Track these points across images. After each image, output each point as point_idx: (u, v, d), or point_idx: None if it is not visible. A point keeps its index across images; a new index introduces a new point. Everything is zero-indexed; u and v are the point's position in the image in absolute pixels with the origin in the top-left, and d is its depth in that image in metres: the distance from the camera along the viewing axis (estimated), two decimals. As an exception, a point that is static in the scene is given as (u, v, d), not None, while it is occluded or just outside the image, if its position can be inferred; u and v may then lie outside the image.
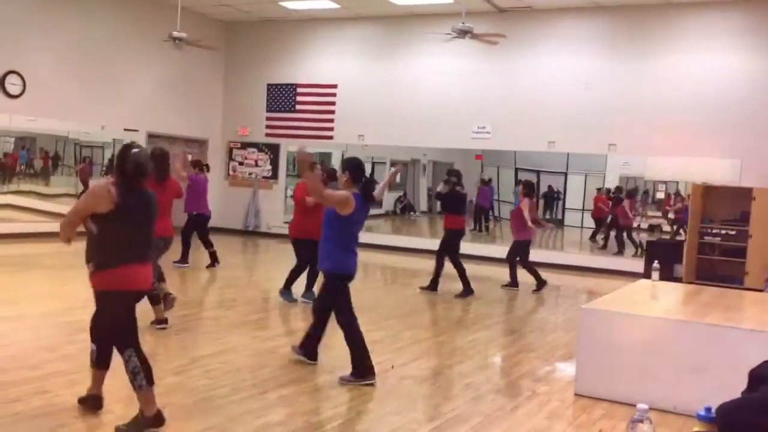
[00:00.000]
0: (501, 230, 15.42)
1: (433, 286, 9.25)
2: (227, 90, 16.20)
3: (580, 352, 5.20)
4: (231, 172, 16.16)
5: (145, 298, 6.20)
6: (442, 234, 9.46)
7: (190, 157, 10.87)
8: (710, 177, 11.58)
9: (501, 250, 12.51)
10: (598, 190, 13.81)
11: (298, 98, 15.38)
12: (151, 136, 14.45)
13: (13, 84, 11.99)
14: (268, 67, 15.68)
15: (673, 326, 4.90)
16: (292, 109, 15.45)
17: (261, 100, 15.76)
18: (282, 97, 15.57)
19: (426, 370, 5.60)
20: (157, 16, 13.56)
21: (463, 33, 11.02)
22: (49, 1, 12.56)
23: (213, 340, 6.12)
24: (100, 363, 4.06)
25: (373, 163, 17.42)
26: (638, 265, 11.81)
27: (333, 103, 14.96)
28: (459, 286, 9.21)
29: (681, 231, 12.79)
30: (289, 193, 16.02)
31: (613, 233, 13.43)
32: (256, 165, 15.93)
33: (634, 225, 13.18)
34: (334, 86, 14.94)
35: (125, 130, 14.03)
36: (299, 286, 8.05)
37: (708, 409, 2.64)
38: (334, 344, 6.12)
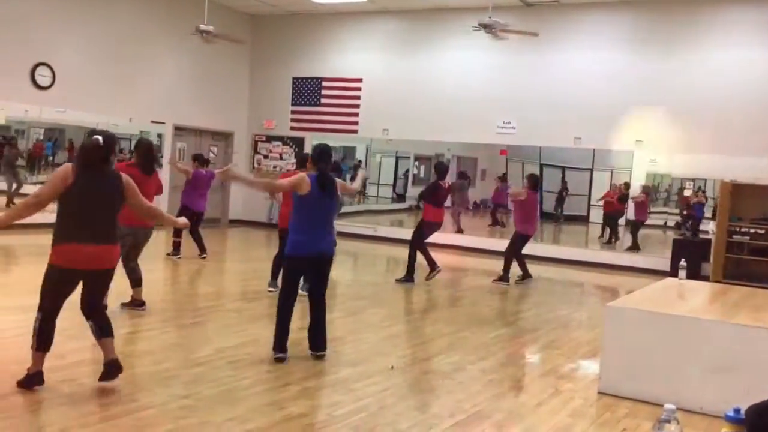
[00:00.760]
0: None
1: (409, 276, 9.28)
2: (253, 83, 16.26)
3: (605, 350, 5.15)
4: (256, 165, 16.24)
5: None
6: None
7: (177, 154, 10.52)
8: (739, 175, 11.40)
9: (535, 248, 12.51)
10: (612, 186, 13.66)
11: (324, 92, 15.40)
12: (178, 129, 14.57)
13: (43, 76, 12.15)
14: (293, 61, 15.71)
15: (700, 326, 4.83)
16: (317, 102, 15.48)
17: (286, 94, 15.81)
18: (307, 91, 15.60)
19: (448, 366, 5.58)
20: (185, 10, 13.64)
21: (492, 28, 10.94)
22: (78, -7, 12.71)
23: (236, 332, 6.16)
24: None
25: (397, 158, 17.43)
26: (664, 263, 11.69)
27: (358, 97, 14.96)
28: (479, 281, 9.17)
29: (687, 226, 12.66)
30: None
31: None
32: (281, 158, 16.00)
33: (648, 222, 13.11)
34: (359, 80, 14.94)
35: (152, 122, 14.17)
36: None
37: (737, 410, 2.60)
38: (355, 338, 6.14)
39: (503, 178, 15.65)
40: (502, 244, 11.78)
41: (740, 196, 11.24)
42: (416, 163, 17.42)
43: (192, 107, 14.80)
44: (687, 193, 13.00)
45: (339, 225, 13.90)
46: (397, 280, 9.28)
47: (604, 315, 5.27)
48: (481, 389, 5.05)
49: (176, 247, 10.16)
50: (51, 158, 13.31)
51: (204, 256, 10.17)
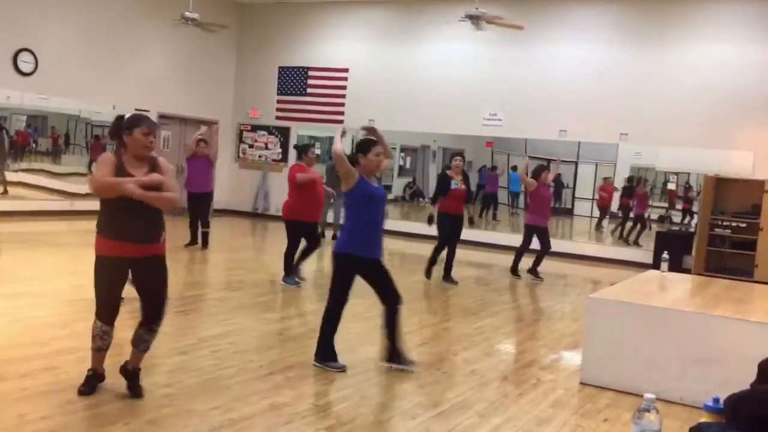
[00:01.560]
0: (509, 218, 15.40)
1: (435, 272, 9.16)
2: (238, 72, 16.17)
3: (587, 341, 5.19)
4: (241, 155, 16.16)
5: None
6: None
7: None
8: (722, 169, 11.50)
9: (506, 238, 12.56)
10: (605, 179, 13.72)
11: (309, 81, 15.34)
12: (162, 117, 14.45)
13: (25, 62, 12.01)
14: (279, 50, 15.63)
15: (681, 317, 4.88)
16: (303, 92, 15.42)
17: (272, 83, 15.73)
18: (293, 81, 15.53)
19: (432, 356, 5.61)
20: (170, -4, 13.52)
21: (478, 19, 10.92)
22: (62, -21, 12.55)
23: (220, 321, 6.15)
24: None
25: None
26: (647, 256, 11.78)
27: (344, 87, 14.92)
28: (465, 272, 9.18)
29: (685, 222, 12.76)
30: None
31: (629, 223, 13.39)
32: (266, 148, 15.93)
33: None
34: (346, 70, 14.89)
35: (136, 110, 13.98)
36: (309, 264, 8.04)
37: (716, 400, 2.64)
38: (339, 328, 6.15)
39: (493, 168, 15.58)
40: (488, 236, 11.83)
41: (723, 190, 11.35)
42: (402, 154, 17.40)
43: (177, 95, 14.69)
44: (671, 186, 13.08)
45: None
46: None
47: (586, 306, 5.31)
48: (464, 379, 5.08)
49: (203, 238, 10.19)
50: (34, 145, 13.19)
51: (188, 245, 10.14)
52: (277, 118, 15.74)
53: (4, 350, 4.32)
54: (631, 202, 13.13)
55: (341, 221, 5.45)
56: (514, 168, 14.68)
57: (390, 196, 17.29)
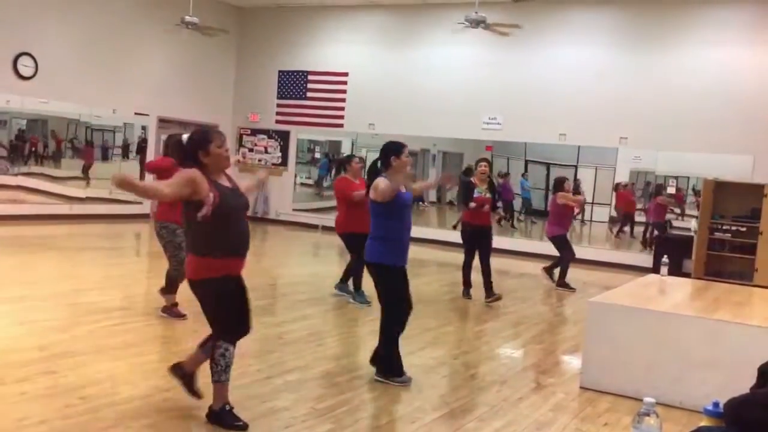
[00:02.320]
0: (522, 225, 15.34)
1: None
2: (238, 76, 16.18)
3: (587, 345, 5.18)
4: (241, 159, 16.16)
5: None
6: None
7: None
8: (722, 172, 11.50)
9: (520, 243, 12.56)
10: (624, 186, 13.43)
11: (309, 85, 15.35)
12: (162, 121, 14.47)
13: (25, 66, 12.03)
14: (279, 54, 15.64)
15: (681, 321, 4.88)
16: (303, 96, 15.43)
17: (272, 87, 15.74)
18: (293, 84, 15.55)
19: (432, 360, 5.60)
20: (170, 1, 13.55)
21: (477, 23, 10.96)
22: (62, -17, 12.58)
23: (220, 325, 6.11)
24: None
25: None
26: (647, 260, 11.77)
27: (344, 91, 14.93)
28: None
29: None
30: (300, 180, 16.05)
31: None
32: (266, 152, 15.94)
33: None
34: (345, 74, 14.90)
35: (136, 114, 14.07)
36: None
37: (716, 404, 2.63)
38: (339, 332, 6.14)
39: (504, 175, 15.42)
40: (500, 242, 11.78)
41: (722, 193, 11.35)
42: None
43: (177, 99, 14.70)
44: (671, 190, 13.01)
45: (326, 220, 13.97)
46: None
47: (586, 310, 5.30)
48: (464, 383, 5.07)
49: None
50: (33, 150, 13.18)
51: None
52: (277, 121, 15.75)
53: (3, 354, 4.31)
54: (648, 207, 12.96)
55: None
56: (524, 174, 14.64)
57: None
